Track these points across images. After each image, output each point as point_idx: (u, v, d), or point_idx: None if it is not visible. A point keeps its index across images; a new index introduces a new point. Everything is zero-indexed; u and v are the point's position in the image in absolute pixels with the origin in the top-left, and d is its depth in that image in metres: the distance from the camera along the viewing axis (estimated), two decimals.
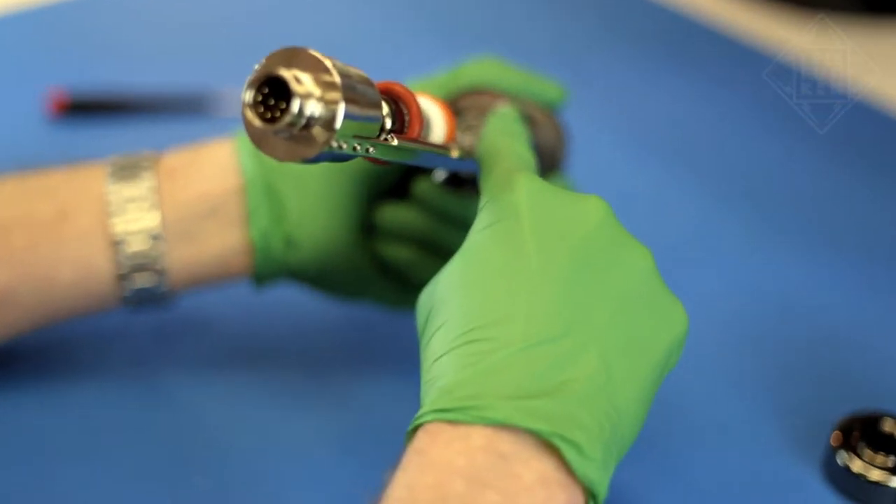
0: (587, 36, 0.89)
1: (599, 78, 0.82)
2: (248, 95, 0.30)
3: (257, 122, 0.31)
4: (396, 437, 0.48)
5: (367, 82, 0.34)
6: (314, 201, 0.46)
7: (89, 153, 0.68)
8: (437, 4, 0.93)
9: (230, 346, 0.54)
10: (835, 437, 0.47)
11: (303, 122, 0.30)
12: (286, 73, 0.30)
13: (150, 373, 0.52)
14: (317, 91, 0.31)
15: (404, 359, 0.52)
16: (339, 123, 0.31)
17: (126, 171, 0.45)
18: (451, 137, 0.41)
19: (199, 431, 0.49)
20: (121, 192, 0.45)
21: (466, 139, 0.43)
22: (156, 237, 0.45)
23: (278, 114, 0.31)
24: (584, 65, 0.83)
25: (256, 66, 0.31)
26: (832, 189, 0.70)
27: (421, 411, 0.33)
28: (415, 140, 0.36)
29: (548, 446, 0.31)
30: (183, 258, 0.45)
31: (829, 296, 0.59)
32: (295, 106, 0.30)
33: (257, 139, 0.31)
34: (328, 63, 0.31)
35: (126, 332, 0.53)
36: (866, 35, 0.87)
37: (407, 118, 0.36)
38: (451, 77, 0.48)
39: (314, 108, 0.30)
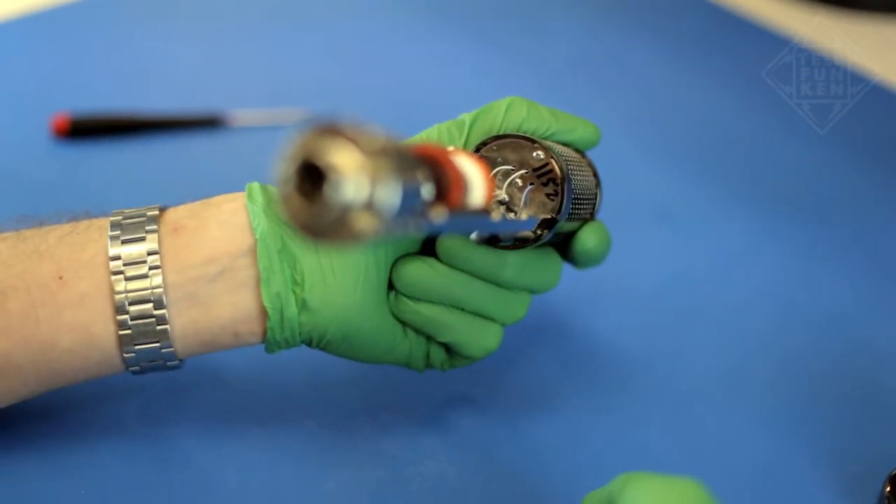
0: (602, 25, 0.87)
1: (613, 67, 0.80)
2: (287, 184, 0.29)
3: (299, 209, 0.29)
4: (428, 495, 0.46)
5: (408, 152, 0.31)
6: (333, 262, 0.42)
7: (95, 173, 0.67)
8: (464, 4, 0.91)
9: (246, 400, 0.51)
10: (888, 488, 0.45)
11: (353, 207, 0.28)
12: (328, 161, 0.28)
13: (161, 431, 0.49)
14: (363, 174, 0.28)
15: (434, 410, 0.51)
16: (394, 206, 0.28)
17: (128, 229, 0.42)
18: (491, 195, 0.38)
19: (214, 495, 0.46)
20: (122, 252, 0.42)
21: (503, 193, 0.41)
22: (159, 301, 0.42)
23: (318, 196, 0.28)
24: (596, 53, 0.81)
25: (288, 145, 0.29)
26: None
27: None
28: (459, 208, 0.35)
29: None
30: (189, 323, 0.42)
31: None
32: (346, 193, 0.28)
33: (300, 225, 0.29)
34: (373, 143, 0.28)
35: (135, 387, 0.50)
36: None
37: (445, 182, 0.34)
38: (476, 119, 0.44)
39: (363, 192, 0.28)
